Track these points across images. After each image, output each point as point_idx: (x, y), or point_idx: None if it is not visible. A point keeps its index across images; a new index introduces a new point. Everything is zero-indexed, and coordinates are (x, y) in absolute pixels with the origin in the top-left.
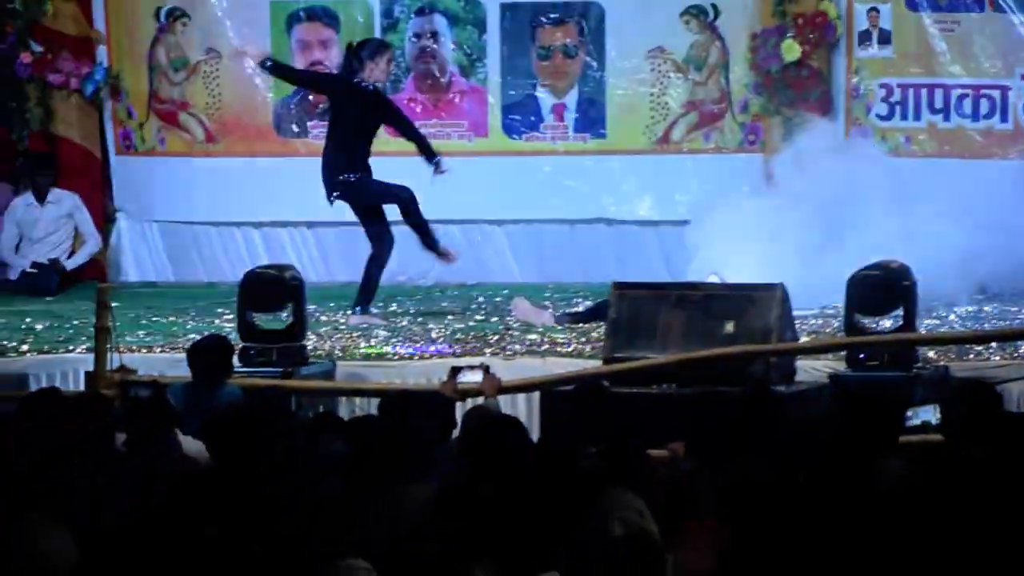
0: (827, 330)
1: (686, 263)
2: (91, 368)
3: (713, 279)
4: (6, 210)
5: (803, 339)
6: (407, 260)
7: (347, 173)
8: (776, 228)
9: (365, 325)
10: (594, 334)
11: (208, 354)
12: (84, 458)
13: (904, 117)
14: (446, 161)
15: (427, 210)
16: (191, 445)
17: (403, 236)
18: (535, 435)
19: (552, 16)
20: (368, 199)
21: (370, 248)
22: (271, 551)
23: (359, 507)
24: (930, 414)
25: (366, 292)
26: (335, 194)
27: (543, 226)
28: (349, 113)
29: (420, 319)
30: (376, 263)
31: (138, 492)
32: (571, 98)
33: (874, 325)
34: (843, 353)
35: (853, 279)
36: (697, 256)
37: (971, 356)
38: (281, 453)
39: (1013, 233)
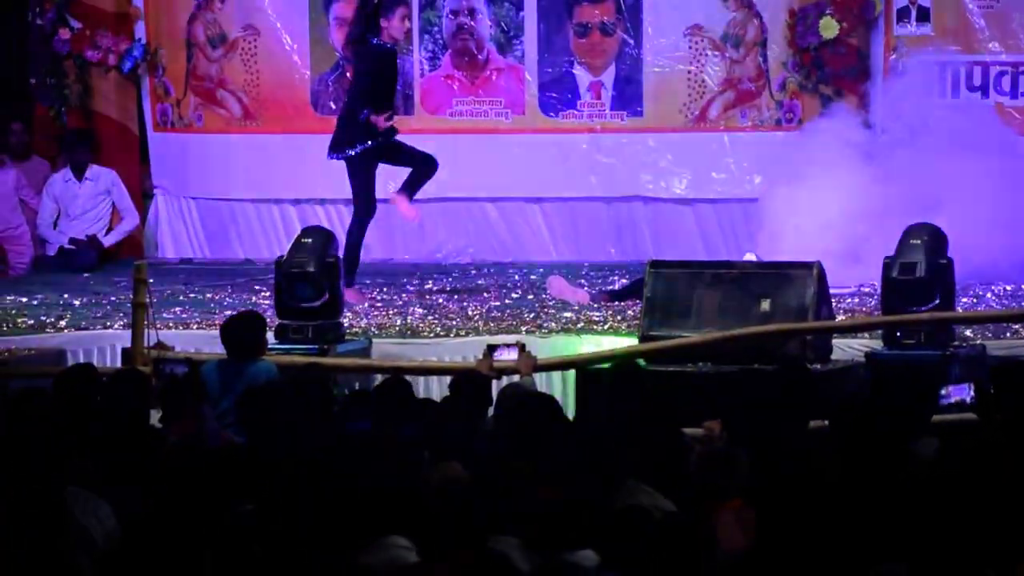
0: (864, 309)
1: (725, 241)
2: (128, 344)
3: (749, 258)
4: (44, 186)
5: (839, 317)
6: (443, 238)
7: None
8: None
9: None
10: (630, 312)
11: (241, 331)
12: (120, 433)
13: (942, 95)
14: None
15: (464, 188)
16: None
17: (437, 216)
18: (570, 413)
19: None
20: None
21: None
22: (309, 529)
23: (393, 485)
24: (965, 392)
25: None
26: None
27: (579, 204)
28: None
29: (456, 297)
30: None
31: (174, 467)
32: (608, 76)
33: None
34: (879, 331)
35: (890, 257)
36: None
37: (1008, 335)
38: (317, 430)
39: None
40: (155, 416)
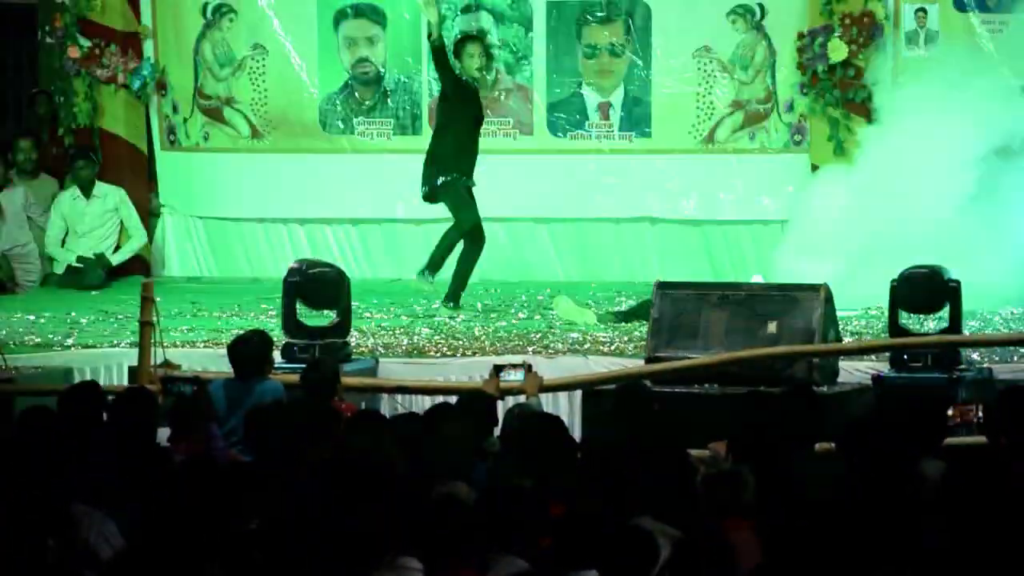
0: (871, 331)
1: (732, 262)
2: (135, 363)
3: (757, 279)
4: (52, 204)
5: (846, 340)
6: (451, 258)
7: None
8: None
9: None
10: (636, 333)
11: (248, 349)
12: (128, 452)
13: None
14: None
15: None
16: None
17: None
18: (576, 434)
19: (599, 15)
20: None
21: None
22: (315, 548)
23: (404, 504)
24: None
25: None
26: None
27: (587, 224)
28: (464, 114)
29: (463, 317)
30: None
31: (181, 486)
32: (617, 97)
33: (918, 327)
34: (886, 354)
35: (897, 280)
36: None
37: (1015, 358)
38: (323, 450)
39: None
40: (164, 434)
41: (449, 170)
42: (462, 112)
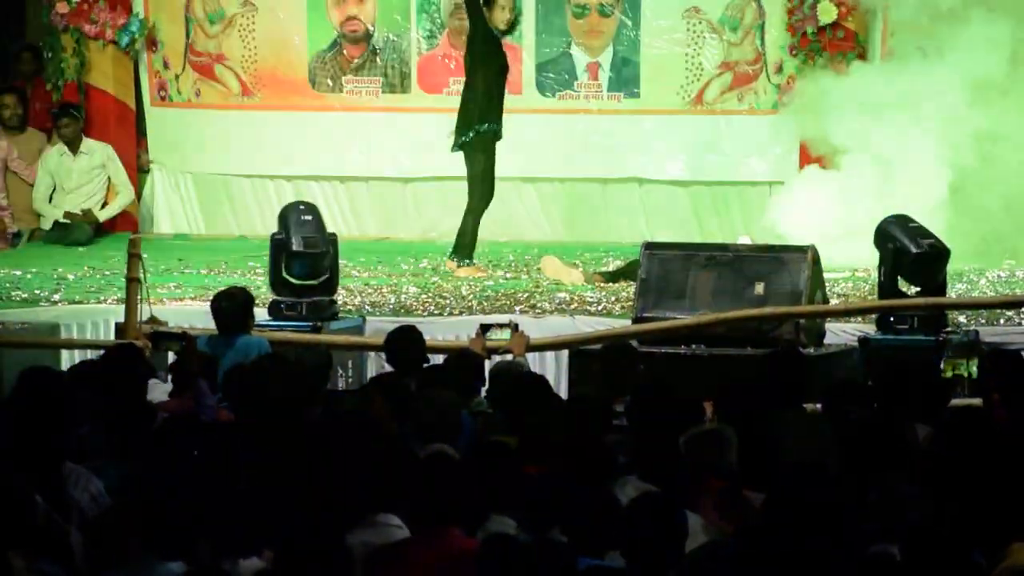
0: (857, 293)
1: (719, 223)
2: (122, 319)
3: (744, 240)
4: (39, 159)
5: (833, 302)
6: (438, 216)
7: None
8: None
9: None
10: (624, 293)
11: (231, 305)
12: (114, 408)
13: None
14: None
15: (460, 167)
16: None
17: (432, 194)
18: (563, 393)
19: None
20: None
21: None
22: (304, 505)
23: (387, 465)
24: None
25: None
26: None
27: (575, 184)
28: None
29: (449, 275)
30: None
31: (164, 443)
32: (605, 57)
33: (905, 288)
34: (873, 316)
35: (884, 243)
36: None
37: (1001, 321)
38: (308, 406)
39: None
40: (163, 389)
41: (482, 119)
42: (488, 60)
